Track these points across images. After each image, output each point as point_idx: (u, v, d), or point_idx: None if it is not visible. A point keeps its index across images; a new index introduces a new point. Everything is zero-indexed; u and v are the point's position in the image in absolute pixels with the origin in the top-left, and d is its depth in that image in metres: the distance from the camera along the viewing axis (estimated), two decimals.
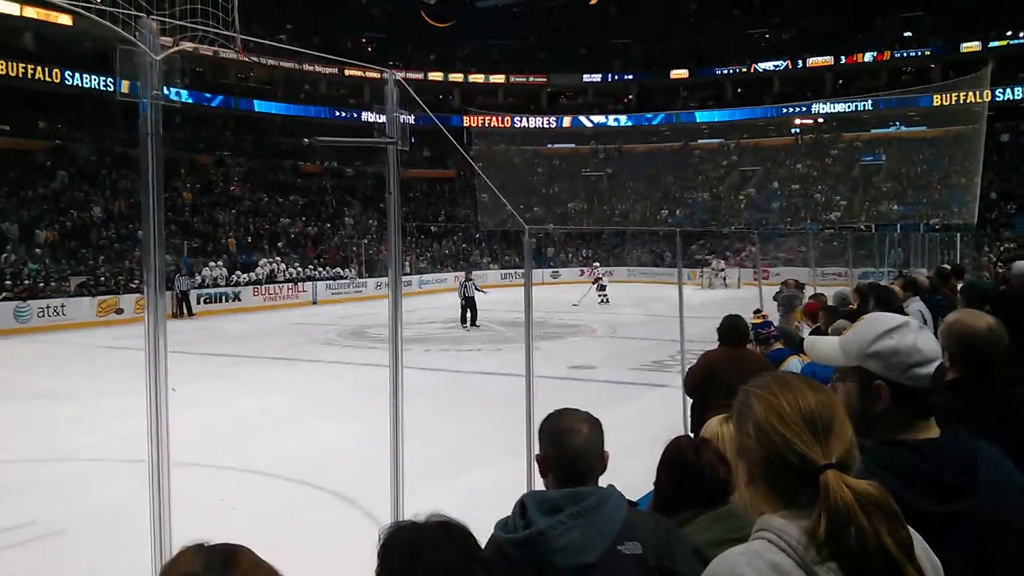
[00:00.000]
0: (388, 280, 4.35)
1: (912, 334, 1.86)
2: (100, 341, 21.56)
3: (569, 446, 2.33)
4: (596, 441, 2.37)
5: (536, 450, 2.44)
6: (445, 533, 1.84)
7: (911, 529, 1.42)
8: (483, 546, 2.19)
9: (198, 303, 29.45)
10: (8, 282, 25.86)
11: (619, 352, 18.49)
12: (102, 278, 28.73)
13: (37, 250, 29.61)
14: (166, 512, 3.40)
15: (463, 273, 26.73)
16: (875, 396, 1.86)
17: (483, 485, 8.01)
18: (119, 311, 26.86)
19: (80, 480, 9.07)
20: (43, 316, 25.06)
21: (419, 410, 8.62)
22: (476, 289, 24.17)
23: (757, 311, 7.75)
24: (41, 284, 26.70)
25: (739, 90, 58.90)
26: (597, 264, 37.48)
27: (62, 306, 25.81)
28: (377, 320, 24.08)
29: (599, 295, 31.23)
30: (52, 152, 37.28)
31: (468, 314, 23.61)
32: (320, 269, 37.01)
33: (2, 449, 10.31)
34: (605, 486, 2.33)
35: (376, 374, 12.38)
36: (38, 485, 8.87)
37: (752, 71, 58.10)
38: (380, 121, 4.38)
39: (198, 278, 31.00)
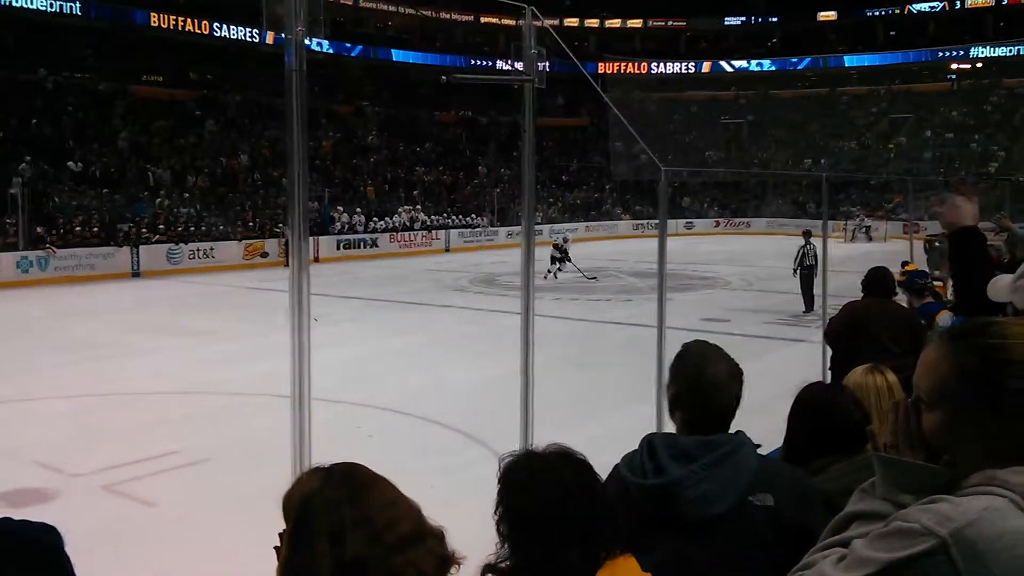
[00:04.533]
0: (521, 226, 4.33)
1: None
2: (247, 283, 22.58)
3: (707, 383, 2.22)
4: (735, 382, 2.26)
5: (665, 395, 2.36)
6: (565, 459, 1.83)
7: None
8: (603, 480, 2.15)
9: (337, 248, 30.42)
10: (161, 226, 27.33)
11: (755, 305, 18.03)
12: (249, 223, 30.02)
13: (187, 195, 31.11)
14: (306, 442, 3.52)
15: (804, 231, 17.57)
16: None
17: (611, 430, 7.97)
18: (264, 254, 28.07)
19: (225, 413, 9.56)
20: (193, 258, 26.45)
21: (548, 357, 8.65)
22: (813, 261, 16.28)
23: (906, 263, 7.42)
24: (192, 228, 28.10)
25: (891, 33, 55.71)
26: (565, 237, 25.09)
27: (211, 249, 27.17)
28: (508, 268, 24.25)
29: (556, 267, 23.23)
30: (201, 101, 38.91)
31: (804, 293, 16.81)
32: (454, 217, 37.54)
33: (153, 382, 10.98)
34: (734, 432, 2.24)
35: (506, 320, 12.52)
36: (188, 416, 9.40)
37: (906, 12, 54.80)
38: (516, 69, 4.32)
39: (337, 224, 32.04)
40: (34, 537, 1.46)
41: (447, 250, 34.48)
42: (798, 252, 16.80)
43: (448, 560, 1.53)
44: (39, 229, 24.64)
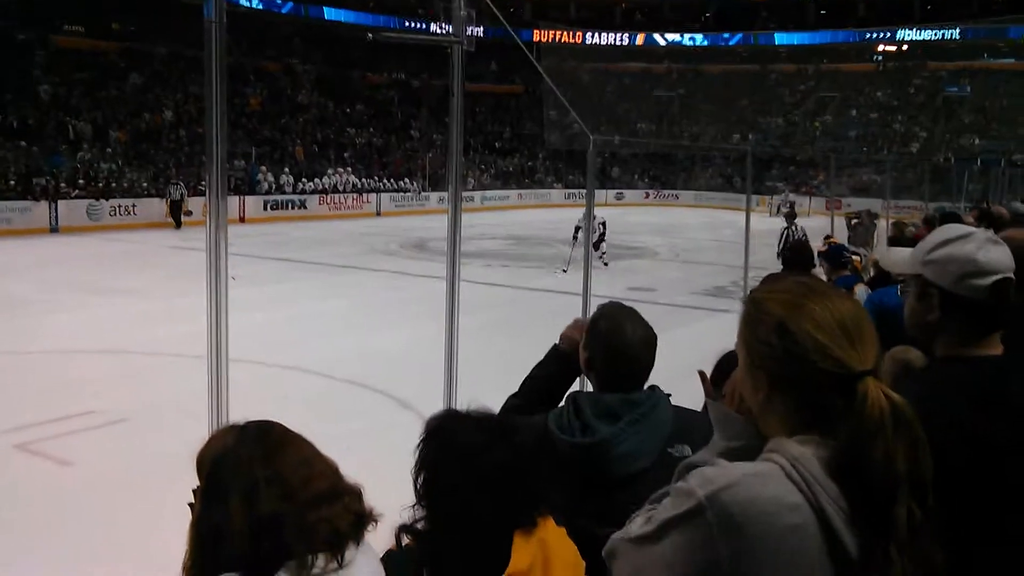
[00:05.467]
0: (448, 188, 4.31)
1: (972, 244, 1.81)
2: (169, 242, 22.06)
3: (621, 346, 2.30)
4: (649, 345, 2.34)
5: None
6: (488, 419, 1.87)
7: None
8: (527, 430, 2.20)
9: (264, 209, 29.87)
10: (81, 180, 26.46)
11: (681, 276, 18.31)
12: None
13: (109, 150, 30.14)
14: (223, 404, 3.48)
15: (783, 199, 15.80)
16: (929, 304, 1.83)
17: None
18: (188, 212, 27.38)
19: (144, 373, 9.37)
20: (114, 215, 25.73)
21: (475, 323, 8.68)
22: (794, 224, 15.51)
23: (827, 237, 7.64)
24: (113, 184, 27.27)
25: (822, 12, 56.59)
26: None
27: (133, 206, 26.46)
28: (438, 234, 24.10)
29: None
30: (125, 54, 37.62)
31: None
32: (385, 181, 37.16)
33: (71, 341, 10.69)
34: (649, 388, 2.32)
35: (435, 286, 12.47)
36: (107, 376, 9.19)
37: None
38: (449, 33, 4.27)
39: (264, 185, 31.46)
40: None
41: (378, 214, 34.15)
42: (781, 234, 15.25)
43: (364, 517, 1.55)
44: None
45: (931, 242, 1.88)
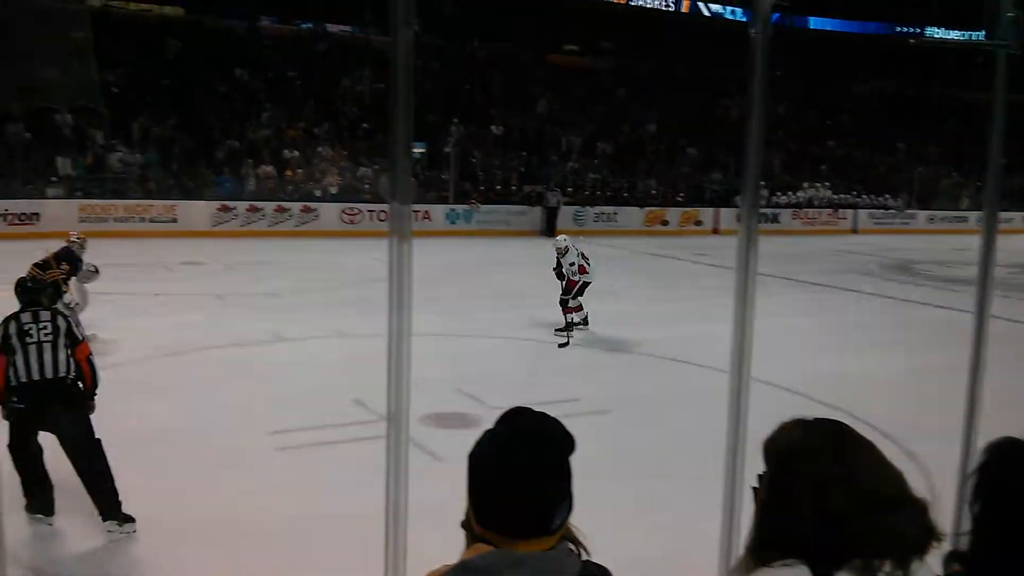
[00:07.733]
0: (982, 210, 3.89)
1: None
2: (646, 248, 23.18)
3: None
4: None
5: None
6: None
7: None
8: None
9: (738, 221, 30.00)
10: (570, 188, 28.88)
11: None
12: (652, 191, 30.68)
13: (596, 161, 32.46)
14: (744, 410, 3.50)
15: None
16: None
17: None
18: (664, 223, 28.60)
19: (628, 367, 9.99)
20: (598, 221, 27.75)
21: (963, 358, 7.84)
22: None
23: None
24: (597, 192, 29.40)
25: None
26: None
27: (614, 213, 28.24)
28: (927, 256, 22.38)
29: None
30: (613, 71, 40.11)
31: None
32: (864, 196, 35.28)
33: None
34: None
35: (921, 312, 11.60)
36: (592, 367, 9.97)
37: None
38: (952, 38, 3.92)
39: (737, 198, 31.64)
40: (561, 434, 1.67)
41: (854, 231, 32.60)
42: None
43: (932, 532, 1.47)
44: (467, 185, 27.28)
45: None
